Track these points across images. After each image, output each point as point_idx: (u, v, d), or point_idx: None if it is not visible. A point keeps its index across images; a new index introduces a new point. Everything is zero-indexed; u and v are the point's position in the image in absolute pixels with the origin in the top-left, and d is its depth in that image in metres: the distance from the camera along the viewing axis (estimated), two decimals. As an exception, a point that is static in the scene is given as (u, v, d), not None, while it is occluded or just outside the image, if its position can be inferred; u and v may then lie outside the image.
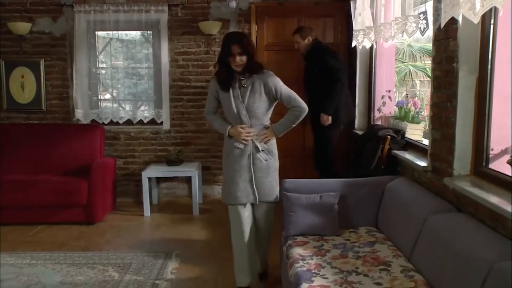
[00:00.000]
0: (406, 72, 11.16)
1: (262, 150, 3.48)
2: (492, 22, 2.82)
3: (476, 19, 2.47)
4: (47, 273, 3.94)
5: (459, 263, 2.30)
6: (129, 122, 6.22)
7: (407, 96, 10.07)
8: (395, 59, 11.56)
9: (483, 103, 2.90)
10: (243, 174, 3.46)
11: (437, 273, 2.48)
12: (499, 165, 2.87)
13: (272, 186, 3.53)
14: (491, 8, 2.45)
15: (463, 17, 2.59)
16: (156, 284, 3.71)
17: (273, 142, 3.57)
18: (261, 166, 3.48)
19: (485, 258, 2.14)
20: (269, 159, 3.51)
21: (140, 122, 6.20)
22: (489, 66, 2.86)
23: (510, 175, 2.69)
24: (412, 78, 11.50)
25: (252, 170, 3.46)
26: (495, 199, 2.53)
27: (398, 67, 10.75)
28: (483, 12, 2.43)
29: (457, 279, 2.27)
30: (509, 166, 2.72)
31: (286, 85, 3.57)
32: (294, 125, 3.57)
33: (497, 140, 2.90)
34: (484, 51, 2.88)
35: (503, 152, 2.90)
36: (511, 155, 2.75)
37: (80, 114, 6.10)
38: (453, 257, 2.37)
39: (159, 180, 6.18)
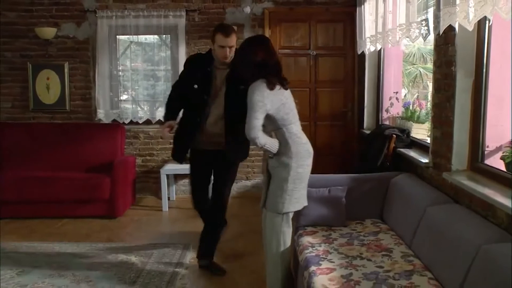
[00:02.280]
0: (417, 74, 11.41)
1: (270, 157, 3.33)
2: (486, 29, 3.07)
3: (470, 27, 2.71)
4: (75, 261, 4.24)
5: (452, 247, 2.56)
6: (148, 122, 6.53)
7: (418, 98, 10.30)
8: (406, 61, 11.84)
9: (479, 103, 3.15)
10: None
11: (433, 257, 2.74)
12: (494, 161, 3.12)
13: (272, 195, 3.29)
14: (485, 17, 2.70)
15: (459, 25, 2.84)
16: (176, 271, 4.00)
17: (286, 151, 3.22)
18: (271, 172, 3.34)
19: (474, 241, 2.40)
20: (277, 168, 3.26)
21: (159, 122, 6.49)
22: (484, 70, 3.11)
23: (503, 170, 2.95)
24: (422, 80, 11.72)
25: (267, 174, 3.42)
26: (487, 191, 2.77)
27: (408, 69, 11.00)
28: (476, 21, 2.68)
29: (450, 261, 2.53)
30: (502, 161, 2.99)
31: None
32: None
33: (492, 138, 3.14)
34: (480, 56, 3.13)
35: (497, 149, 3.14)
36: (503, 152, 3.01)
37: (102, 114, 6.42)
38: (447, 243, 2.63)
39: (176, 176, 6.47)
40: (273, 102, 3.15)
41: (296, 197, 3.25)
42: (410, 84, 12.44)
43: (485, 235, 2.45)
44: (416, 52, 11.63)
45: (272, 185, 3.28)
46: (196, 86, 3.77)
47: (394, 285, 2.56)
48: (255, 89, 3.12)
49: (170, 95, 4.03)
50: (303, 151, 3.25)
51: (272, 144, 3.20)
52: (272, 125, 3.23)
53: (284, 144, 3.22)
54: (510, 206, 2.45)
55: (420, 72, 11.40)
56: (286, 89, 3.29)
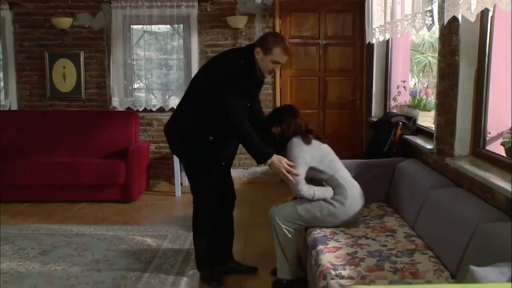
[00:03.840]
0: (426, 63, 11.47)
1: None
2: (489, 20, 3.19)
3: (472, 18, 2.84)
4: (93, 242, 4.44)
5: (452, 227, 2.71)
6: (161, 109, 6.70)
7: (427, 87, 10.39)
8: (416, 50, 11.89)
9: (481, 92, 3.28)
10: None
11: (434, 236, 2.90)
12: (495, 147, 3.25)
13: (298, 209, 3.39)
14: (487, 8, 2.82)
15: (462, 16, 2.96)
16: (190, 252, 4.18)
17: (342, 192, 3.35)
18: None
19: (472, 221, 2.55)
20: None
21: (172, 109, 6.64)
22: (486, 59, 3.23)
23: (504, 155, 3.09)
24: (432, 69, 11.78)
25: None
26: (487, 175, 2.92)
27: (418, 58, 11.07)
28: (477, 12, 2.80)
29: (450, 240, 2.69)
30: (502, 147, 3.13)
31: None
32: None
33: (493, 125, 3.27)
34: (482, 45, 3.25)
35: (499, 135, 3.27)
36: (504, 138, 3.15)
37: (117, 102, 6.61)
38: (448, 223, 2.78)
39: (188, 163, 6.63)
40: (313, 155, 3.33)
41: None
42: (420, 73, 12.51)
43: (483, 215, 2.60)
44: (426, 41, 11.68)
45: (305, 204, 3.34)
46: (248, 105, 3.45)
47: (397, 262, 2.72)
48: (293, 145, 3.32)
49: (248, 131, 3.30)
50: (356, 194, 3.38)
51: (325, 192, 3.32)
52: (322, 175, 3.36)
53: (339, 187, 3.34)
54: (509, 189, 2.59)
55: (430, 61, 11.46)
56: (323, 142, 3.46)
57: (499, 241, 2.27)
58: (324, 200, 3.31)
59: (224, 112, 3.25)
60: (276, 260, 3.43)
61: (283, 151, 3.38)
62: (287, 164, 3.25)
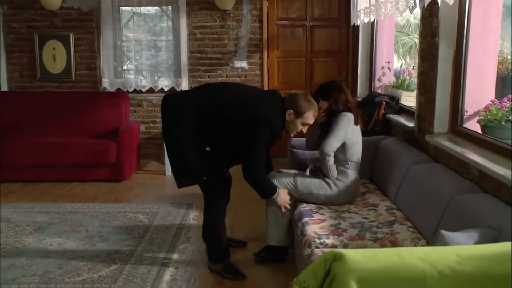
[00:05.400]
0: (412, 45, 11.63)
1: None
2: (467, 3, 3.33)
3: (451, 1, 2.98)
4: (87, 219, 4.58)
5: (429, 199, 2.89)
6: (151, 90, 6.80)
7: (413, 68, 10.55)
8: (401, 32, 12.04)
9: (459, 72, 3.44)
10: None
11: (413, 208, 3.08)
12: (472, 125, 3.43)
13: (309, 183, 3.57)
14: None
15: (441, -1, 3.11)
16: (180, 227, 4.34)
17: (344, 179, 3.54)
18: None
19: (447, 193, 2.73)
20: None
21: (161, 90, 6.76)
22: (464, 41, 3.39)
23: (480, 132, 3.27)
24: (417, 50, 11.97)
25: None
26: (462, 150, 3.09)
27: (404, 39, 11.23)
28: (455, -4, 2.95)
29: (427, 211, 2.87)
30: (478, 124, 3.31)
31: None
32: None
33: (470, 104, 3.45)
34: (461, 28, 3.40)
35: (475, 113, 3.45)
36: (480, 116, 3.32)
37: (107, 83, 6.69)
38: (425, 195, 2.96)
39: (178, 143, 6.75)
40: (352, 136, 3.52)
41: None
42: (407, 54, 12.68)
43: (457, 187, 2.78)
44: (412, 23, 11.82)
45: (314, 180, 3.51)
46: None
47: (377, 232, 2.89)
48: (344, 119, 3.49)
49: (261, 173, 3.40)
50: (354, 187, 3.54)
51: (334, 170, 3.49)
52: (342, 156, 3.52)
53: (344, 174, 3.51)
54: (481, 163, 2.77)
55: (415, 42, 11.62)
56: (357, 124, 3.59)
57: (470, 210, 2.45)
58: (324, 180, 3.48)
59: (247, 154, 3.30)
60: (267, 225, 3.57)
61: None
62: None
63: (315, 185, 3.48)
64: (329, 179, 3.48)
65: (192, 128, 3.32)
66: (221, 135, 3.36)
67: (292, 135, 3.56)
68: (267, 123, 3.27)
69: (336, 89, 3.62)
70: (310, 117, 3.40)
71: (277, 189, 3.36)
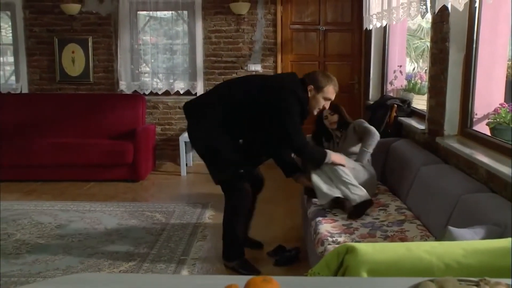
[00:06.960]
0: (424, 49, 11.69)
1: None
2: (477, 9, 3.43)
3: (460, 7, 3.08)
4: (105, 217, 4.73)
5: (438, 198, 2.99)
6: (166, 93, 6.95)
7: (426, 72, 10.61)
8: (414, 36, 12.11)
9: (469, 76, 3.54)
10: None
11: (422, 208, 3.18)
12: (481, 127, 3.52)
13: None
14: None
15: (452, 4, 3.20)
16: (196, 225, 4.47)
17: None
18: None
19: (456, 192, 2.83)
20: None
21: (177, 93, 6.91)
22: (474, 45, 3.48)
23: (489, 134, 3.36)
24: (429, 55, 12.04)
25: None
26: (471, 152, 3.19)
27: (416, 43, 11.29)
28: (465, 1, 3.05)
29: (435, 210, 2.97)
30: (487, 127, 3.40)
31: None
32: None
33: (480, 107, 3.54)
34: (471, 33, 3.50)
35: (485, 116, 3.54)
36: (489, 118, 3.41)
37: (124, 85, 6.85)
38: (435, 195, 3.06)
39: (193, 145, 6.90)
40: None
41: None
42: (420, 58, 12.72)
43: (466, 187, 2.87)
44: (424, 27, 11.89)
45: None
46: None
47: (387, 231, 3.00)
48: (362, 122, 3.97)
49: (310, 145, 3.65)
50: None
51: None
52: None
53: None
54: (489, 163, 2.86)
55: (427, 46, 11.69)
56: None
57: (478, 208, 2.55)
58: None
59: (285, 128, 3.38)
60: (315, 188, 3.51)
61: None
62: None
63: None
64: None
65: (219, 124, 3.44)
66: (251, 126, 3.50)
67: (315, 113, 3.61)
68: (293, 92, 3.36)
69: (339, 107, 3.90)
70: (330, 91, 3.47)
71: (326, 151, 3.48)
